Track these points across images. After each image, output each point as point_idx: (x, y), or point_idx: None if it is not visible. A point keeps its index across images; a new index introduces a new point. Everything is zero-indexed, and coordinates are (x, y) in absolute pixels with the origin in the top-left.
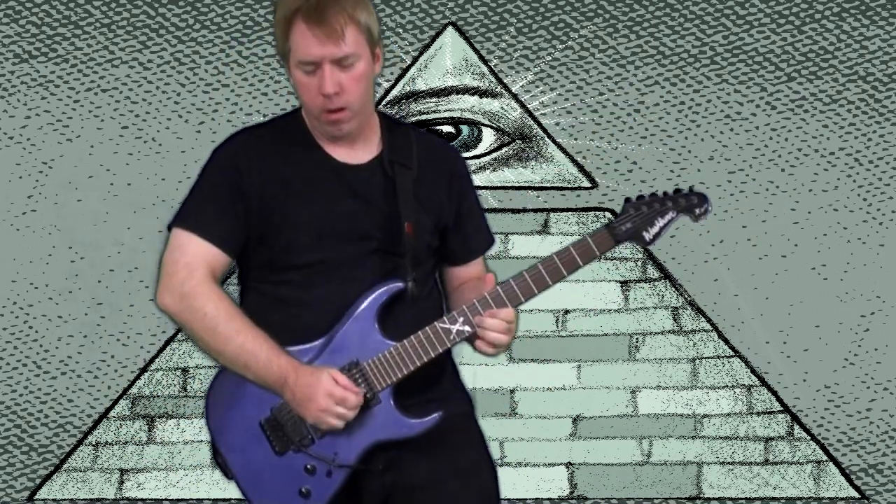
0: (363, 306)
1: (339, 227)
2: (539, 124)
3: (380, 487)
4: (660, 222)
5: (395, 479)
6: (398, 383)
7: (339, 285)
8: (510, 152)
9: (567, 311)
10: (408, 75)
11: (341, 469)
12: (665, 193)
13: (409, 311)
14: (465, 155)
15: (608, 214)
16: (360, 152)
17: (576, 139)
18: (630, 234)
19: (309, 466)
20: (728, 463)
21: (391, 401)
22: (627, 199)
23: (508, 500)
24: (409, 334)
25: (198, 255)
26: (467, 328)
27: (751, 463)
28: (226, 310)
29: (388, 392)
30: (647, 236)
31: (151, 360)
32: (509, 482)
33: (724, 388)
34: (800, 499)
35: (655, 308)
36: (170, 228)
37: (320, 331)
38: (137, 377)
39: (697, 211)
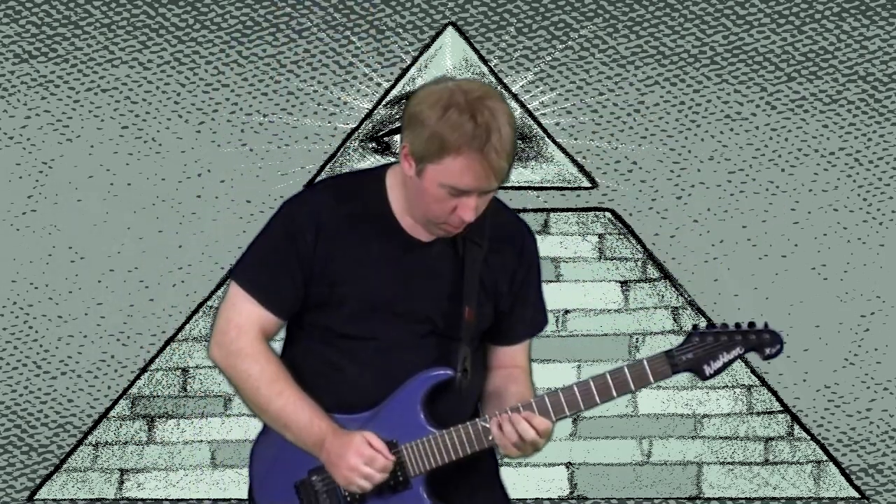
0: (409, 387)
1: (399, 307)
2: (539, 124)
3: None
4: (724, 357)
5: None
6: (432, 471)
7: (389, 363)
8: None
9: (567, 311)
10: (408, 75)
11: None
12: (738, 326)
13: (456, 399)
14: None
15: (608, 214)
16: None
17: (576, 139)
18: (690, 366)
19: None
20: (728, 463)
21: (422, 488)
22: (695, 327)
23: None
24: (451, 422)
25: (251, 316)
26: None
27: (751, 463)
28: (271, 373)
29: (420, 479)
30: (708, 371)
31: (151, 360)
32: (509, 482)
33: (724, 388)
34: (800, 499)
35: (655, 308)
36: (230, 276)
37: (366, 404)
38: (137, 377)
39: (768, 351)
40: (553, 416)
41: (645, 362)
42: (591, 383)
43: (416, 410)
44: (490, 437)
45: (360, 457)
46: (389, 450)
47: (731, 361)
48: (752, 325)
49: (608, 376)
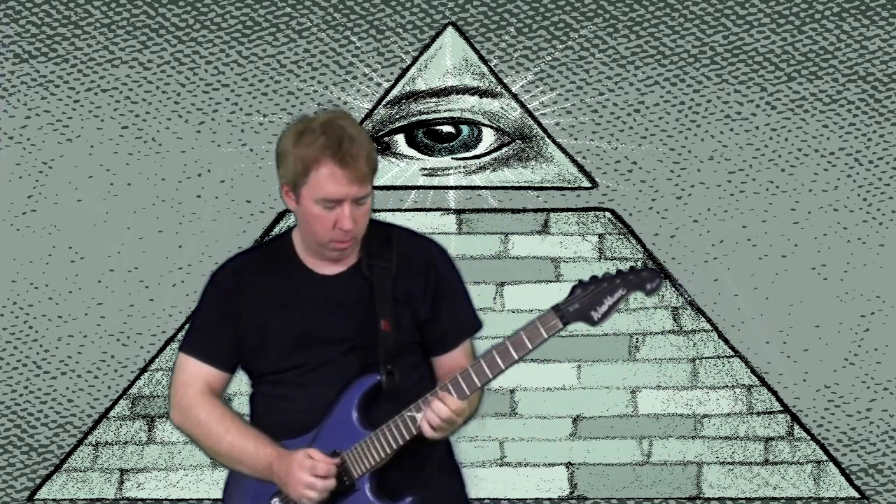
0: (343, 400)
1: (318, 335)
2: (539, 124)
3: None
4: (609, 301)
5: None
6: (379, 470)
7: (323, 384)
8: (510, 152)
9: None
10: (408, 75)
11: None
12: (618, 272)
13: (392, 404)
14: (465, 155)
15: (608, 214)
16: (341, 263)
17: (576, 139)
18: (578, 315)
19: None
20: (728, 463)
21: (367, 487)
22: (580, 281)
23: (508, 500)
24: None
25: (194, 373)
26: None
27: (751, 463)
28: (217, 415)
29: (365, 479)
30: (596, 315)
31: (151, 360)
32: (509, 482)
33: (724, 388)
34: (800, 499)
35: (655, 308)
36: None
37: (310, 426)
38: (137, 377)
39: (649, 286)
40: (467, 390)
41: (536, 321)
42: (493, 351)
43: (350, 419)
44: (417, 424)
45: (303, 469)
46: (332, 458)
47: (616, 303)
48: (632, 268)
49: (506, 341)
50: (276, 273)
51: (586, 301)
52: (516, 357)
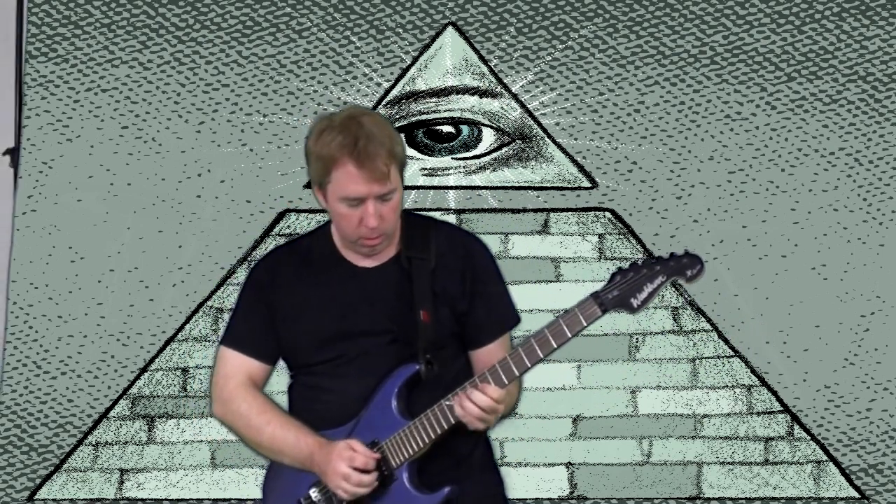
0: (382, 390)
1: (357, 327)
2: (539, 124)
3: None
4: (649, 287)
5: None
6: (418, 462)
7: (362, 375)
8: (510, 152)
9: (567, 311)
10: (408, 75)
11: None
12: (658, 258)
13: (430, 394)
14: (465, 155)
15: (608, 214)
16: (379, 256)
17: (576, 139)
18: (617, 302)
19: None
20: (728, 463)
21: (405, 477)
22: (619, 268)
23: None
24: None
25: (234, 366)
26: None
27: (751, 463)
28: (258, 406)
29: (404, 468)
30: (635, 302)
31: (151, 360)
32: (509, 482)
33: (724, 388)
34: (800, 499)
35: (655, 308)
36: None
37: (349, 416)
38: (137, 377)
39: (689, 273)
40: (505, 380)
41: (576, 309)
42: (532, 340)
43: (390, 409)
44: (455, 413)
45: (343, 460)
46: (371, 449)
47: (656, 290)
48: (672, 254)
49: (545, 330)
50: (315, 265)
51: (626, 288)
52: (555, 346)
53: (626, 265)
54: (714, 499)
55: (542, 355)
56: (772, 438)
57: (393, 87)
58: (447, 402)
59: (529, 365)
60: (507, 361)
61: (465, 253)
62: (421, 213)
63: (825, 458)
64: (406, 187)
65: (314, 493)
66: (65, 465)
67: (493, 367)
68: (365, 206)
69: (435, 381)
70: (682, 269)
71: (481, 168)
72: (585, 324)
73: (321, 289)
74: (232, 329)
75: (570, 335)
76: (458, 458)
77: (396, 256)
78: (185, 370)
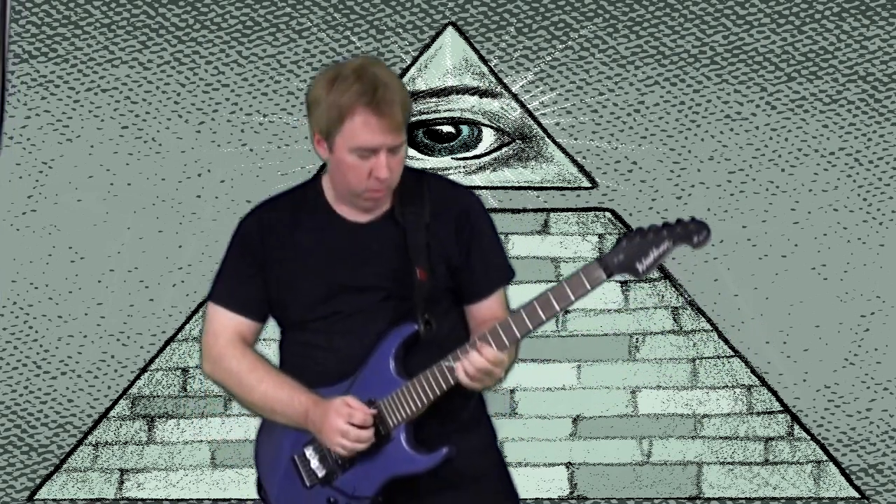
0: (380, 349)
1: (352, 283)
2: (539, 124)
3: None
4: (654, 252)
5: None
6: (414, 420)
7: (357, 332)
8: (510, 152)
9: (567, 311)
10: (408, 75)
11: (359, 501)
12: (664, 223)
13: (428, 352)
14: (465, 155)
15: (608, 214)
16: (373, 210)
17: (576, 139)
18: (623, 267)
19: (331, 499)
20: (728, 463)
21: (402, 437)
22: (625, 233)
23: None
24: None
25: (223, 323)
26: None
27: (751, 463)
28: (248, 364)
29: (401, 428)
30: (641, 267)
31: (151, 360)
32: None
33: (724, 388)
34: (800, 499)
35: (655, 308)
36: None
37: (344, 374)
38: (137, 377)
39: (696, 238)
40: (506, 341)
41: (580, 272)
42: (535, 302)
43: (388, 368)
44: (455, 375)
45: (341, 416)
46: (368, 407)
47: (661, 255)
48: (678, 220)
49: (548, 293)
50: (306, 220)
51: (631, 252)
52: (558, 308)
53: (633, 230)
54: (714, 499)
55: (544, 318)
56: (772, 438)
57: None
58: (447, 364)
59: (531, 327)
60: (508, 323)
61: (460, 205)
62: (410, 166)
63: (825, 458)
64: None
65: (308, 452)
66: (65, 465)
67: (493, 327)
68: (377, 157)
69: (432, 339)
70: (688, 234)
71: (481, 168)
72: (590, 287)
73: (314, 245)
74: (219, 285)
75: (573, 298)
76: (451, 414)
77: (390, 211)
78: (185, 370)
